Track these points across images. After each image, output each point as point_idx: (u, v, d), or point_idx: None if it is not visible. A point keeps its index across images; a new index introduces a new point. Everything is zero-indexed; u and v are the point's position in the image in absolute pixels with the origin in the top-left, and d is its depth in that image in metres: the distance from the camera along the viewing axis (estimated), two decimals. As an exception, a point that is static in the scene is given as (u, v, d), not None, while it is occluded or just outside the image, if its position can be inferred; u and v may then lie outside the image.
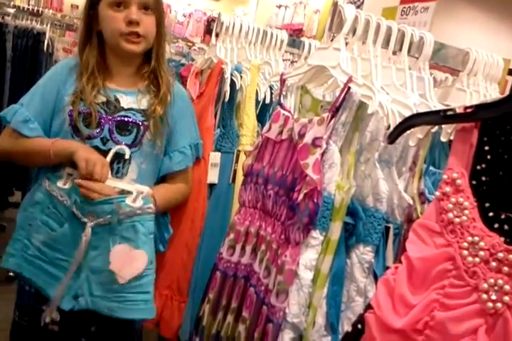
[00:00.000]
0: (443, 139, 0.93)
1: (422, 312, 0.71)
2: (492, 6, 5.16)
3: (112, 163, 1.40)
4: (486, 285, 0.67)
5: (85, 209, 1.34)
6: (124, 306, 1.32)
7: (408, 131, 0.93)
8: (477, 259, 0.69)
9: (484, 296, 0.67)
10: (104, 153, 1.39)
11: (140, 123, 1.45)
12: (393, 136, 0.90)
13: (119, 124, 1.43)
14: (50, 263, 1.36)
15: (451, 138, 0.98)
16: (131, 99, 1.46)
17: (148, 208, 1.35)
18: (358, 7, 4.35)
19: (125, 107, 1.45)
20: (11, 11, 3.38)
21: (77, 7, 7.83)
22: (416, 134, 0.99)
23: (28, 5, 5.42)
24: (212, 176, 1.64)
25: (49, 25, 3.35)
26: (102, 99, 1.43)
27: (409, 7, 2.47)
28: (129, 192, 1.35)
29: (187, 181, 1.59)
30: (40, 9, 3.57)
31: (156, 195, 1.43)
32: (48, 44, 3.24)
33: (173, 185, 1.56)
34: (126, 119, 1.43)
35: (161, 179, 1.57)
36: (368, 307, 0.81)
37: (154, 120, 1.46)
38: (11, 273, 2.52)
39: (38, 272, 1.37)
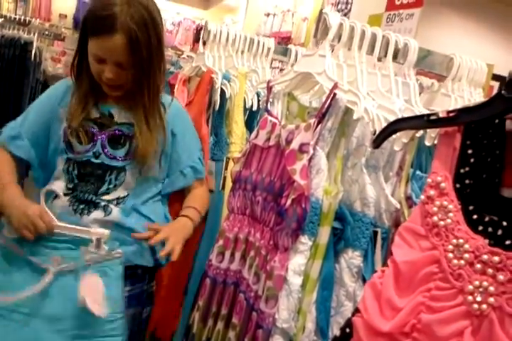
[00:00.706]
0: (427, 143, 0.94)
1: (409, 315, 0.71)
2: (475, 12, 5.24)
3: (103, 175, 1.39)
4: (471, 287, 0.68)
5: (48, 255, 1.23)
6: None
7: (394, 136, 0.94)
8: (462, 262, 0.70)
9: (470, 298, 0.67)
10: (96, 166, 1.38)
11: (132, 135, 1.40)
12: (378, 141, 0.91)
13: (112, 138, 1.40)
14: None
15: (436, 142, 1.00)
16: (126, 115, 1.42)
17: (116, 253, 1.25)
18: (345, 14, 4.40)
19: (118, 122, 1.42)
20: (-1, 20, 3.37)
21: (66, 16, 7.84)
22: (401, 139, 1.00)
23: (15, 14, 5.41)
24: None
25: (36, 35, 3.34)
26: (95, 115, 1.41)
27: (395, 14, 2.50)
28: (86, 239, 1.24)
29: (204, 183, 1.58)
30: (28, 19, 3.57)
31: (196, 208, 1.48)
32: (35, 53, 3.23)
33: (194, 193, 1.54)
34: (117, 133, 1.41)
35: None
36: (356, 311, 0.82)
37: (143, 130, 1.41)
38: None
39: None
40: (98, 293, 1.19)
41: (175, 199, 1.54)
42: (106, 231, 1.24)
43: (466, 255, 0.69)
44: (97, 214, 1.35)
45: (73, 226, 1.25)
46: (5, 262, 1.26)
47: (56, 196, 1.37)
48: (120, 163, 1.39)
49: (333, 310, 1.11)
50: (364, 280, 1.10)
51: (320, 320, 1.09)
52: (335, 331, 1.10)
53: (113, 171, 1.39)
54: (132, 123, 1.40)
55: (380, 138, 0.90)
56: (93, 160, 1.38)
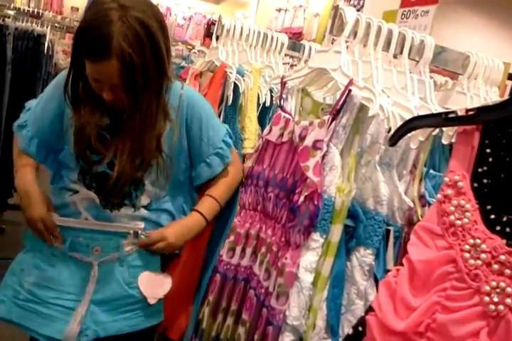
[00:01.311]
0: (444, 142, 0.93)
1: (424, 315, 0.71)
2: (492, 10, 5.18)
3: (123, 185, 1.32)
4: (488, 288, 0.67)
5: (88, 246, 1.32)
6: (135, 317, 1.35)
7: (409, 134, 0.93)
8: (479, 262, 0.69)
9: (486, 299, 0.67)
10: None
11: None
12: (394, 139, 0.90)
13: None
14: (42, 304, 1.31)
15: (453, 140, 0.98)
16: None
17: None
18: (358, 10, 4.36)
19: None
20: (11, 12, 3.38)
21: (77, 9, 7.85)
22: (417, 137, 0.99)
23: (29, 7, 5.43)
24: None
25: (49, 28, 3.35)
26: (106, 121, 1.31)
27: (410, 11, 2.48)
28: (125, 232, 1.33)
29: (234, 164, 1.48)
30: (41, 11, 3.58)
31: (215, 197, 1.43)
32: (48, 46, 3.24)
33: (218, 179, 1.45)
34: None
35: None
36: (369, 309, 0.81)
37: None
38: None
39: (29, 315, 1.31)
40: (155, 287, 1.35)
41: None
42: (140, 224, 1.34)
43: (483, 255, 0.68)
44: (126, 209, 1.36)
45: (98, 222, 1.33)
46: (51, 259, 1.33)
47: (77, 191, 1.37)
48: (138, 173, 1.32)
49: (343, 308, 1.10)
50: (375, 279, 1.10)
51: (330, 318, 1.09)
52: (345, 329, 1.09)
53: (131, 182, 1.33)
54: None
55: (396, 136, 0.89)
56: (109, 172, 1.32)
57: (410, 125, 0.87)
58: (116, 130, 1.30)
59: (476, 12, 5.18)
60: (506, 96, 0.72)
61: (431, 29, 2.28)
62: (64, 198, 1.37)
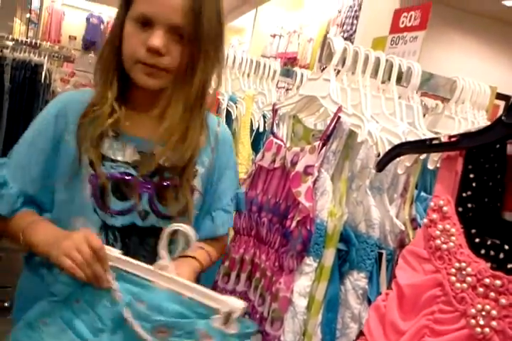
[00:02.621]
0: (430, 167, 0.95)
1: (413, 339, 0.72)
2: (479, 33, 5.29)
3: (155, 243, 0.94)
4: (473, 311, 0.68)
5: (150, 321, 0.82)
6: None
7: (398, 159, 0.96)
8: (465, 285, 0.70)
9: (472, 321, 0.68)
10: (144, 232, 1.05)
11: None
12: (381, 164, 0.92)
13: (161, 190, 1.05)
14: None
15: (438, 165, 1.01)
16: (167, 153, 1.04)
17: (249, 334, 0.83)
18: (350, 35, 4.45)
19: (164, 164, 1.04)
20: (10, 43, 3.45)
21: (75, 38, 7.99)
22: (404, 162, 1.01)
23: (27, 37, 5.52)
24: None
25: (46, 57, 3.41)
26: (131, 153, 1.05)
27: (399, 37, 2.54)
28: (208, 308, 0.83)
29: (226, 239, 1.28)
30: (38, 41, 3.64)
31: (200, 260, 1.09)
32: (45, 75, 3.29)
33: (213, 246, 1.18)
34: (166, 183, 1.05)
35: None
36: (360, 334, 0.82)
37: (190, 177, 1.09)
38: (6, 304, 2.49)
39: None
40: None
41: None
42: (241, 304, 0.83)
43: (469, 278, 0.70)
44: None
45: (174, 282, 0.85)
46: (87, 305, 0.88)
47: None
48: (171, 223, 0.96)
49: (338, 332, 1.11)
50: (369, 302, 1.10)
51: (326, 342, 1.09)
52: (340, 353, 1.10)
53: (150, 234, 1.06)
54: (176, 166, 1.05)
55: (383, 162, 0.92)
56: (139, 223, 1.05)
57: (397, 151, 0.89)
58: (145, 170, 1.04)
59: (464, 35, 5.29)
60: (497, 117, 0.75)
61: (420, 54, 2.33)
62: None
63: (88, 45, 7.95)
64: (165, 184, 1.05)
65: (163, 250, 0.89)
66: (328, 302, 1.10)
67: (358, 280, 1.09)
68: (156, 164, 1.02)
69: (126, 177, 1.02)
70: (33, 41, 3.54)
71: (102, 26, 8.18)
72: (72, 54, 3.99)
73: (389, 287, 1.16)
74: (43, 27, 7.80)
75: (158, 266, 0.87)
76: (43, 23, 7.83)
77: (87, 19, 8.03)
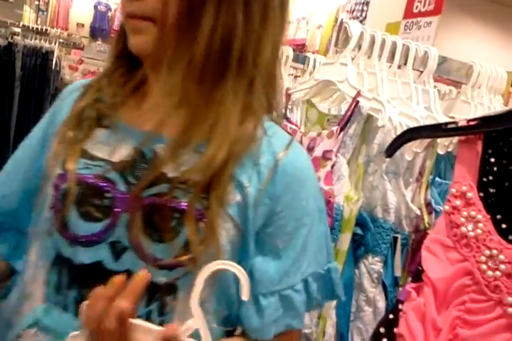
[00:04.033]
0: (440, 152, 0.95)
1: (447, 332, 0.70)
2: (494, 19, 5.23)
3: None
4: (510, 299, 0.66)
5: None
6: None
7: (410, 143, 0.95)
8: (498, 273, 0.68)
9: (510, 310, 0.66)
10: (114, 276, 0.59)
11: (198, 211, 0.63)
12: (391, 149, 0.90)
13: (152, 212, 0.63)
14: None
15: (449, 150, 1.00)
16: (186, 157, 0.64)
17: None
18: (360, 22, 4.42)
19: (170, 175, 0.64)
20: (19, 30, 3.45)
21: (83, 26, 7.96)
22: (411, 148, 1.01)
23: (36, 24, 5.52)
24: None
25: (57, 44, 3.41)
26: (124, 153, 0.66)
27: (413, 22, 2.51)
28: None
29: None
30: (48, 28, 3.64)
31: None
32: (55, 62, 3.30)
33: None
34: (167, 203, 0.62)
35: None
36: (396, 336, 0.77)
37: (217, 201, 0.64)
38: None
39: None
40: None
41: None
42: None
43: (502, 266, 0.67)
44: None
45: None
46: None
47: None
48: (168, 276, 0.63)
49: (352, 315, 1.12)
50: (384, 286, 1.11)
51: (340, 325, 1.10)
52: (354, 336, 1.11)
53: (154, 293, 0.63)
54: (190, 180, 0.63)
55: (393, 147, 0.90)
56: (108, 265, 0.64)
57: (408, 136, 0.88)
58: (137, 179, 0.65)
59: (478, 21, 5.22)
60: (510, 105, 0.73)
61: (434, 39, 2.31)
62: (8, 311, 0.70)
63: (96, 33, 7.93)
64: (165, 203, 0.62)
65: (195, 304, 0.56)
66: (343, 286, 1.10)
67: (372, 264, 1.10)
68: (157, 172, 0.63)
69: (101, 184, 0.64)
70: (43, 28, 3.54)
71: (109, 14, 8.14)
72: (82, 41, 3.99)
73: (403, 271, 1.17)
74: (51, 14, 7.78)
75: (187, 327, 0.56)
76: (51, 10, 7.82)
77: (95, 7, 8.00)
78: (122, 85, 0.71)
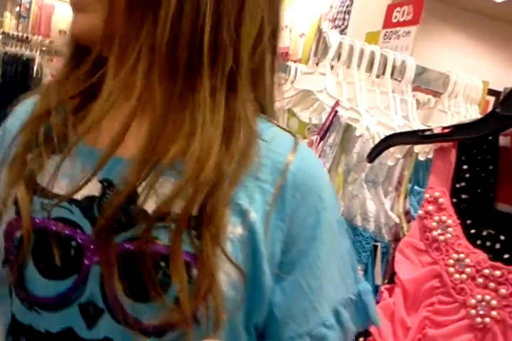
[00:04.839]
0: (421, 158, 0.97)
1: (416, 332, 0.72)
2: (471, 28, 5.32)
3: None
4: (473, 301, 0.69)
5: None
6: None
7: (390, 150, 0.97)
8: (464, 276, 0.71)
9: (473, 312, 0.69)
10: None
11: (187, 257, 0.48)
12: (373, 155, 0.93)
13: (131, 263, 0.48)
14: None
15: (429, 156, 1.02)
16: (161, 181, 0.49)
17: None
18: (342, 30, 4.46)
19: (149, 211, 0.49)
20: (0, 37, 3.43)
21: (65, 32, 7.91)
22: (394, 154, 1.02)
23: (17, 31, 5.47)
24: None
25: (38, 51, 3.39)
26: (89, 189, 0.51)
27: (392, 31, 2.55)
28: None
29: None
30: (29, 35, 3.62)
31: None
32: (37, 70, 3.28)
33: None
34: (148, 248, 0.47)
35: None
36: (366, 334, 0.81)
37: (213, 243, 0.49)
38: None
39: None
40: None
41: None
42: None
43: (468, 269, 0.71)
44: None
45: None
46: None
47: None
48: None
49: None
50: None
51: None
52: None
53: None
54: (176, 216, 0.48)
55: (374, 153, 0.93)
56: (81, 333, 0.50)
57: (387, 142, 0.90)
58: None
59: (455, 30, 5.32)
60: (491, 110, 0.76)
61: (412, 49, 2.34)
62: None
63: (78, 40, 7.90)
64: (143, 248, 0.47)
65: None
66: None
67: (353, 272, 1.10)
68: (135, 209, 0.49)
69: (63, 230, 0.50)
70: (24, 35, 3.52)
71: (92, 21, 8.12)
72: (64, 49, 3.96)
73: (384, 279, 1.18)
74: (32, 21, 7.72)
75: None
76: (32, 17, 7.76)
77: (77, 13, 7.98)
78: (80, 90, 0.54)
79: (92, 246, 0.49)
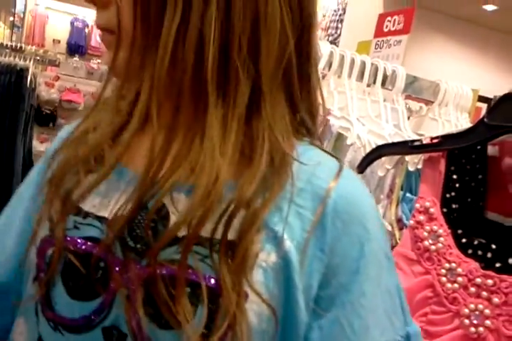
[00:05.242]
0: (410, 168, 0.97)
1: None
2: (460, 37, 5.37)
3: None
4: (467, 311, 0.69)
5: None
6: None
7: (380, 160, 0.97)
8: (456, 285, 0.71)
9: (466, 321, 0.68)
10: None
11: (212, 284, 0.45)
12: (363, 166, 0.93)
13: (155, 286, 0.46)
14: None
15: (418, 167, 1.03)
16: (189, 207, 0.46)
17: None
18: (335, 39, 4.49)
19: (180, 233, 0.46)
20: (-8, 47, 3.43)
21: (59, 42, 7.93)
22: (384, 164, 1.03)
23: (11, 41, 5.48)
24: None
25: (32, 61, 3.39)
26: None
27: (383, 40, 2.58)
28: None
29: None
30: (23, 45, 3.63)
31: None
32: (30, 79, 3.28)
33: None
34: (179, 273, 0.45)
35: None
36: None
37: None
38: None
39: None
40: None
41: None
42: None
43: (460, 278, 0.71)
44: None
45: None
46: None
47: None
48: None
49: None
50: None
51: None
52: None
53: None
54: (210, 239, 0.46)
55: (364, 163, 0.93)
56: None
57: (378, 152, 0.91)
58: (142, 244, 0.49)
59: (446, 39, 5.36)
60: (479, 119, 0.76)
61: (403, 58, 2.37)
62: None
63: (73, 49, 7.91)
64: (174, 273, 0.45)
65: None
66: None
67: (346, 280, 1.11)
68: (173, 233, 0.46)
69: (92, 250, 0.49)
70: (18, 45, 3.52)
71: (86, 30, 8.13)
72: (58, 58, 3.97)
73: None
74: (26, 31, 7.73)
75: None
76: (26, 26, 7.77)
77: (72, 23, 7.99)
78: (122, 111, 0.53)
79: (118, 269, 0.48)
